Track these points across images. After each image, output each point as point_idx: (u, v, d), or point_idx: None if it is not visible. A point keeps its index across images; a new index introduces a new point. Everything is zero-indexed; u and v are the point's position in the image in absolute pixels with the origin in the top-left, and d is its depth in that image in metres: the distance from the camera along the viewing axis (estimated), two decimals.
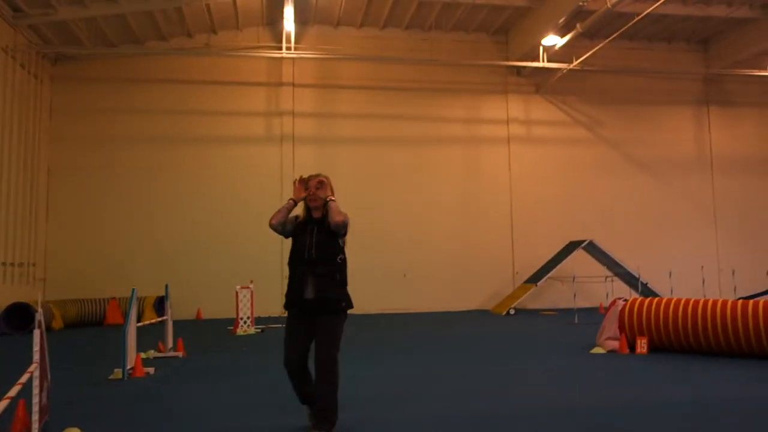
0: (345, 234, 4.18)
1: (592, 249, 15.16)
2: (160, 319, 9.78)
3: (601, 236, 15.34)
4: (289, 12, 14.22)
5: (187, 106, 15.70)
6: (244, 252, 15.16)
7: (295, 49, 15.37)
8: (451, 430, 4.38)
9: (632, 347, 7.85)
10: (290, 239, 4.29)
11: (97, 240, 15.00)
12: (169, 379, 6.57)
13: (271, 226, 4.18)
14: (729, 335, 7.15)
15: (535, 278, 15.34)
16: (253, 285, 11.61)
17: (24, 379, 3.83)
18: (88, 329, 12.63)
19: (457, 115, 16.94)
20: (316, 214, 4.18)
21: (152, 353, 8.05)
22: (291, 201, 4.23)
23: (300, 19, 15.27)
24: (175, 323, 9.04)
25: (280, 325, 12.43)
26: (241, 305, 11.20)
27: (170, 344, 8.45)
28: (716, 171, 18.04)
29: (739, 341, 7.11)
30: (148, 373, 6.76)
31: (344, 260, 4.20)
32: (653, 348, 7.73)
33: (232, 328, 11.33)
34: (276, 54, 15.36)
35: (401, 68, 16.41)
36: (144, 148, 15.42)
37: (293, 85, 16.15)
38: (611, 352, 7.89)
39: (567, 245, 15.46)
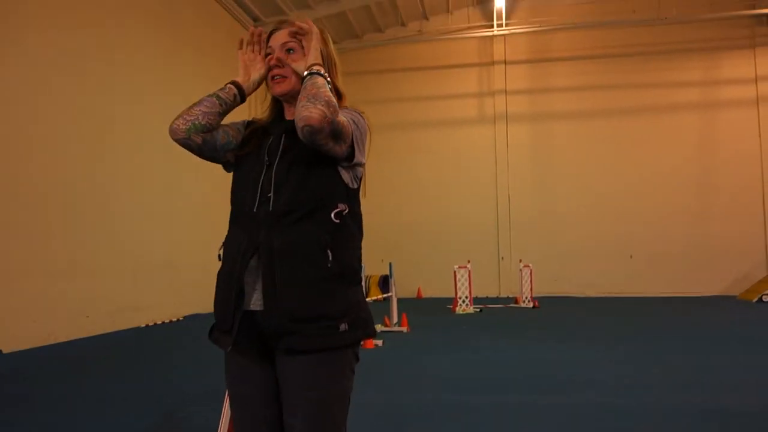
0: (352, 155, 1.76)
1: None
2: (384, 295, 10.33)
3: None
4: None
5: (399, 94, 16.24)
6: (461, 232, 15.46)
7: (506, 25, 15.06)
8: (677, 424, 3.90)
9: None
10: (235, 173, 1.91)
11: None
12: (397, 350, 6.90)
13: (174, 135, 1.77)
14: None
15: None
16: (470, 265, 11.69)
17: None
18: None
19: (690, 78, 15.07)
20: (292, 114, 1.84)
21: (379, 326, 8.54)
22: (230, 86, 1.87)
23: None
24: (398, 300, 9.48)
25: (501, 306, 12.37)
26: (459, 284, 11.36)
27: (395, 319, 8.89)
28: None
29: None
30: (377, 345, 7.18)
31: (351, 217, 1.78)
32: None
33: (451, 306, 11.55)
34: (487, 32, 15.16)
35: (620, 33, 15.10)
36: None
37: (505, 62, 15.83)
38: None
39: None
